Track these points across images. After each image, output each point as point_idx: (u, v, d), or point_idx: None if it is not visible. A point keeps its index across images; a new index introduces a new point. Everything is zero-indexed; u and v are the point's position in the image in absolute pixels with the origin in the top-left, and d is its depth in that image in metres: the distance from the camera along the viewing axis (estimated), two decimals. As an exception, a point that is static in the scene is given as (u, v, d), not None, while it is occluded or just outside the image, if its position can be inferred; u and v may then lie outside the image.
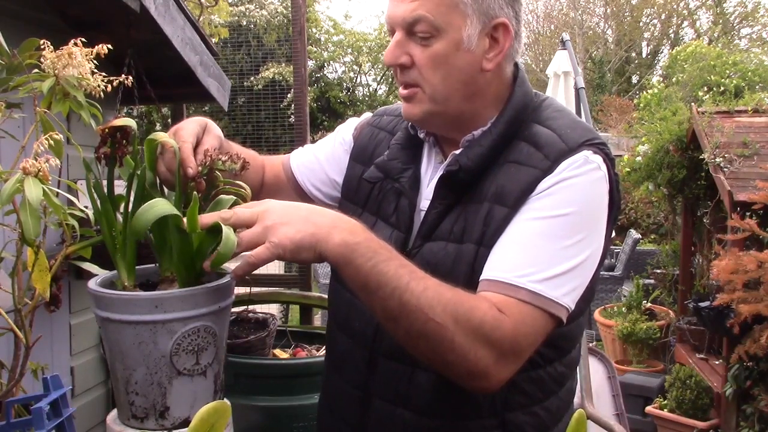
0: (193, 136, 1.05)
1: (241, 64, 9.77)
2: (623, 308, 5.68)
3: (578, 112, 4.10)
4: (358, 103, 12.47)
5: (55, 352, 2.55)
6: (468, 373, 0.94)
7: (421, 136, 1.18)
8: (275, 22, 10.29)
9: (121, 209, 1.00)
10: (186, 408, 0.93)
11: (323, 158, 1.33)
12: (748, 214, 3.42)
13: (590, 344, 3.78)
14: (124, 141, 0.99)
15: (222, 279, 0.96)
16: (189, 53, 2.78)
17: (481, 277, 1.01)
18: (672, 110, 5.07)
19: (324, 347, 2.36)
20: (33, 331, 1.14)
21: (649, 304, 5.74)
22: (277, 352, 2.55)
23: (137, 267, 1.00)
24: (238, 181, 1.02)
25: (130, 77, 1.10)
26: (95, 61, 1.06)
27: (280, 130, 8.74)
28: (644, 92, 7.24)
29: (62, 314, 2.59)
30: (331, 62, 12.81)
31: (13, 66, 1.11)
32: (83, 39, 1.06)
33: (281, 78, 9.81)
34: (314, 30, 12.41)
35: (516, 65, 1.15)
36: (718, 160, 3.94)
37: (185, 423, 0.93)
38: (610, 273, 6.92)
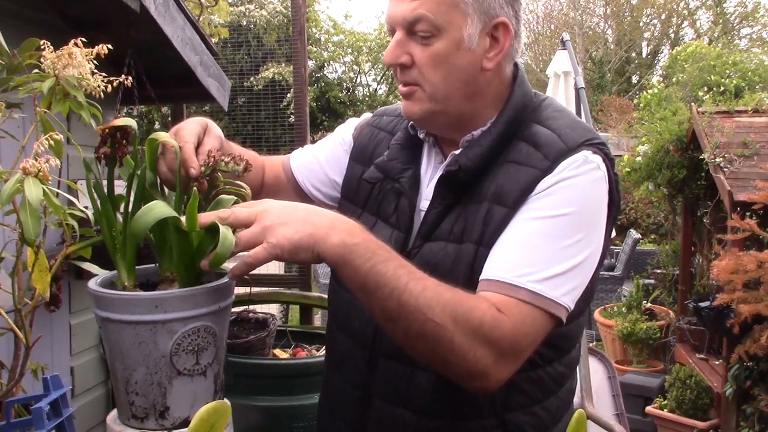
0: (194, 136, 1.06)
1: (241, 64, 9.78)
2: (623, 308, 5.68)
3: (578, 112, 4.10)
4: (358, 103, 12.47)
5: (55, 352, 2.55)
6: (467, 373, 0.94)
7: (421, 136, 1.18)
8: (275, 22, 10.30)
9: (121, 209, 1.00)
10: (186, 408, 0.93)
11: (323, 159, 1.33)
12: (748, 214, 3.42)
13: (590, 344, 3.78)
14: (124, 141, 0.99)
15: (222, 279, 0.96)
16: (189, 53, 2.78)
17: (481, 277, 1.01)
18: (672, 110, 5.07)
19: (324, 347, 2.36)
20: (33, 331, 1.14)
21: (649, 304, 5.74)
22: (277, 352, 2.55)
23: (137, 267, 1.00)
24: (238, 181, 1.02)
25: (130, 77, 1.10)
26: (95, 61, 1.06)
27: (280, 130, 8.75)
28: (644, 92, 7.24)
29: (62, 314, 2.59)
30: (331, 62, 12.81)
31: (13, 66, 1.11)
32: (83, 39, 1.06)
33: (281, 78, 9.81)
34: (314, 30, 12.41)
35: (516, 65, 1.15)
36: (718, 160, 3.95)
37: (185, 423, 0.93)
38: (610, 273, 6.92)
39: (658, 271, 5.89)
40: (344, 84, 12.82)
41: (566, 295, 0.99)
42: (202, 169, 1.00)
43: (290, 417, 2.19)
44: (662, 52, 20.77)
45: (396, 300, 0.90)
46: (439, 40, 1.03)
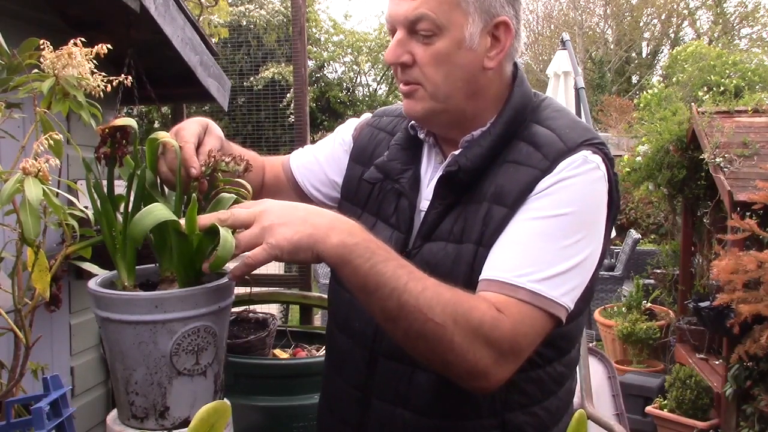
0: (195, 136, 1.06)
1: (241, 64, 9.77)
2: (623, 308, 5.68)
3: (578, 112, 4.10)
4: (358, 103, 12.46)
5: (55, 352, 2.55)
6: (467, 373, 0.94)
7: (421, 136, 1.18)
8: (275, 22, 10.29)
9: (121, 209, 1.00)
10: (186, 408, 0.93)
11: (323, 159, 1.33)
12: (748, 214, 3.42)
13: (590, 344, 3.78)
14: (124, 141, 0.99)
15: (222, 279, 0.96)
16: (189, 53, 2.78)
17: (481, 277, 1.01)
18: (672, 110, 5.07)
19: (324, 347, 2.36)
20: (33, 331, 1.14)
21: (649, 304, 5.74)
22: (277, 352, 2.55)
23: (137, 267, 1.00)
24: (238, 180, 1.02)
25: (130, 77, 1.10)
26: (95, 61, 1.06)
27: (280, 130, 8.74)
28: (644, 92, 7.24)
29: (62, 314, 2.59)
30: (331, 62, 12.81)
31: (13, 66, 1.11)
32: (83, 39, 1.06)
33: (281, 78, 9.81)
34: (314, 30, 12.41)
35: (515, 65, 1.15)
36: (718, 160, 3.95)
37: (185, 423, 0.93)
38: (610, 273, 6.92)
39: (658, 271, 5.89)
40: (344, 84, 12.81)
41: (566, 295, 0.99)
42: (203, 169, 1.00)
43: (290, 417, 2.19)
44: (662, 52, 20.78)
45: (396, 300, 0.90)
46: (440, 39, 1.03)
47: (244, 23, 10.09)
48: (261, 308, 2.90)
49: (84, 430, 2.68)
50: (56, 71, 1.04)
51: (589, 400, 2.66)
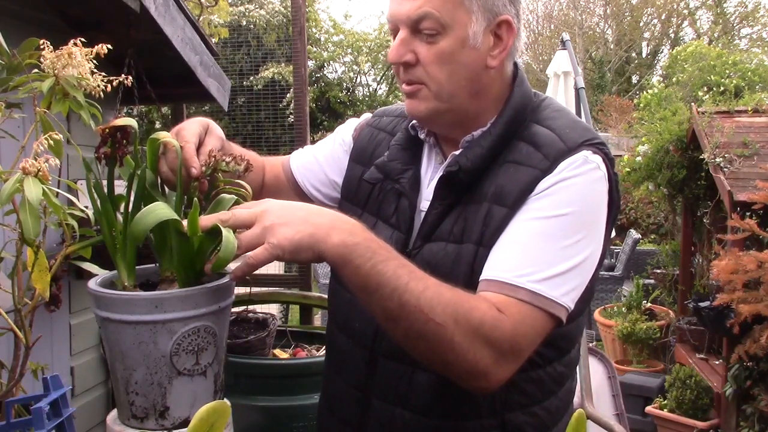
0: (195, 136, 1.06)
1: (241, 64, 9.77)
2: (623, 308, 5.68)
3: (578, 112, 4.11)
4: (358, 103, 12.46)
5: (55, 352, 2.55)
6: (468, 373, 0.94)
7: (422, 136, 1.18)
8: (275, 22, 10.29)
9: (122, 209, 1.00)
10: (186, 408, 0.93)
11: (323, 159, 1.33)
12: (748, 214, 3.42)
13: (590, 344, 3.78)
14: (125, 141, 0.99)
15: (222, 279, 0.96)
16: (189, 53, 2.78)
17: (481, 277, 1.01)
18: (672, 110, 5.07)
19: (324, 347, 2.36)
20: (33, 331, 1.14)
21: (649, 304, 5.74)
22: (277, 352, 2.55)
23: (137, 267, 1.00)
24: (239, 181, 1.02)
25: (130, 77, 1.10)
26: (95, 61, 1.06)
27: (280, 130, 8.74)
28: (644, 92, 7.23)
29: (62, 314, 2.59)
30: (331, 62, 12.81)
31: (13, 66, 1.11)
32: (83, 39, 1.06)
33: (281, 78, 9.80)
34: (314, 30, 12.41)
35: (515, 65, 1.15)
36: (718, 160, 3.95)
37: (185, 423, 0.93)
38: (610, 273, 6.92)
39: (658, 271, 5.89)
40: (344, 84, 12.81)
41: (566, 295, 0.99)
42: (203, 169, 1.00)
43: (290, 417, 2.19)
44: (662, 52, 20.78)
45: (397, 300, 0.90)
46: (444, 37, 1.03)
47: (244, 23, 10.09)
48: (261, 308, 2.90)
49: (84, 430, 2.68)
50: (56, 71, 1.04)
51: (589, 400, 2.66)
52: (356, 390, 1.17)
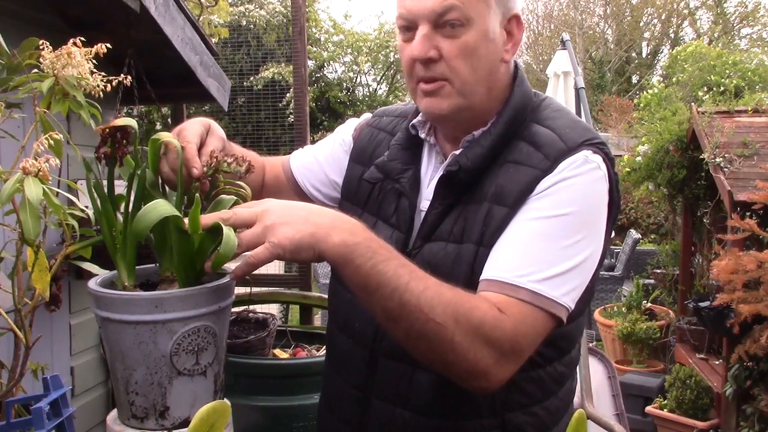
0: (197, 136, 1.06)
1: (241, 64, 9.77)
2: (623, 308, 5.68)
3: (578, 112, 4.10)
4: (358, 103, 12.46)
5: (55, 352, 2.55)
6: (468, 373, 0.94)
7: (422, 136, 1.18)
8: (275, 22, 10.29)
9: (122, 209, 1.00)
10: (186, 408, 0.93)
11: (323, 159, 1.33)
12: (748, 214, 3.42)
13: (590, 344, 3.78)
14: (124, 141, 0.99)
15: (222, 279, 0.96)
16: (189, 53, 2.78)
17: (481, 277, 1.01)
18: (672, 110, 5.07)
19: (324, 347, 2.36)
20: (33, 331, 1.14)
21: (649, 304, 5.74)
22: (277, 352, 2.55)
23: (137, 267, 1.00)
24: (238, 182, 1.03)
25: (130, 77, 1.10)
26: (95, 61, 1.06)
27: (280, 130, 8.75)
28: (644, 92, 7.23)
29: (62, 314, 2.59)
30: (331, 62, 12.80)
31: (13, 66, 1.11)
32: (83, 39, 1.06)
33: (281, 78, 9.80)
34: (314, 30, 12.41)
35: (515, 64, 1.15)
36: (718, 160, 3.94)
37: (185, 423, 0.93)
38: (610, 273, 6.92)
39: (658, 271, 5.89)
40: (344, 84, 12.81)
41: (567, 295, 0.99)
42: (204, 169, 1.00)
43: (290, 417, 2.19)
44: (662, 52, 20.78)
45: (397, 300, 0.90)
46: (467, 31, 1.03)
47: (244, 23, 10.09)
48: (261, 308, 2.90)
49: (84, 430, 2.68)
50: (56, 71, 1.04)
51: (589, 400, 2.66)
52: (356, 390, 1.17)
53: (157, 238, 0.97)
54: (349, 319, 1.18)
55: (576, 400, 2.01)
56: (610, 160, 1.07)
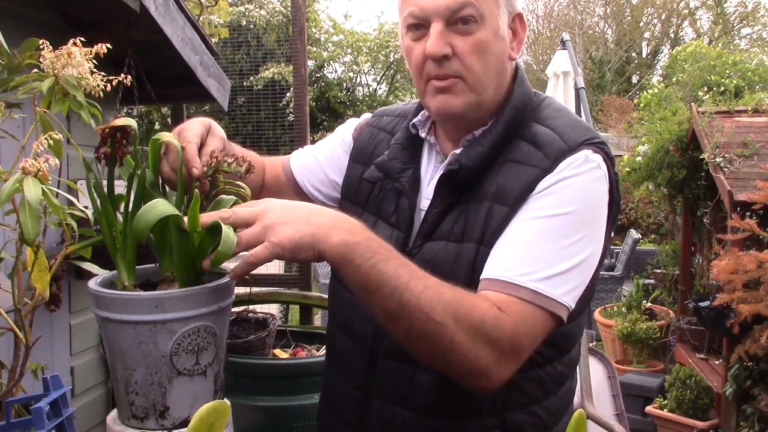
0: (197, 136, 1.06)
1: (241, 64, 9.77)
2: (623, 308, 5.68)
3: (578, 112, 4.10)
4: (358, 103, 12.46)
5: (55, 352, 2.55)
6: (468, 372, 0.94)
7: (422, 135, 1.19)
8: (275, 22, 10.29)
9: (121, 209, 1.00)
10: (186, 408, 0.93)
11: (323, 159, 1.33)
12: (748, 214, 3.42)
13: (590, 344, 3.78)
14: (124, 141, 0.99)
15: (222, 279, 0.96)
16: (189, 53, 2.78)
17: (482, 276, 1.01)
18: (672, 110, 5.07)
19: (324, 347, 2.36)
20: (33, 331, 1.14)
21: (649, 304, 5.74)
22: (277, 352, 2.55)
23: (137, 267, 1.00)
24: (238, 182, 1.03)
25: (130, 77, 1.10)
26: (95, 61, 1.06)
27: (280, 130, 8.75)
28: (644, 92, 7.23)
29: (62, 314, 2.59)
30: (330, 62, 12.80)
31: (13, 66, 1.11)
32: (83, 39, 1.06)
33: (281, 78, 9.80)
34: (314, 30, 12.41)
35: (516, 64, 1.15)
36: (718, 160, 3.94)
37: (185, 423, 0.93)
38: (610, 273, 6.92)
39: (658, 271, 5.89)
40: (344, 84, 12.81)
41: (567, 294, 0.99)
42: (205, 169, 1.00)
43: (290, 417, 2.19)
44: (662, 52, 20.77)
45: (397, 299, 0.90)
46: (480, 27, 1.04)
47: (244, 23, 10.09)
48: (261, 308, 2.90)
49: (84, 430, 2.67)
50: (56, 71, 1.04)
51: (589, 400, 2.66)
52: (356, 390, 1.17)
53: (157, 238, 0.97)
54: (349, 319, 1.18)
55: (576, 400, 2.01)
56: (610, 160, 1.07)
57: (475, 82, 1.07)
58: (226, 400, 0.71)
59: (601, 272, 1.12)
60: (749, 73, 7.27)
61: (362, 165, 1.24)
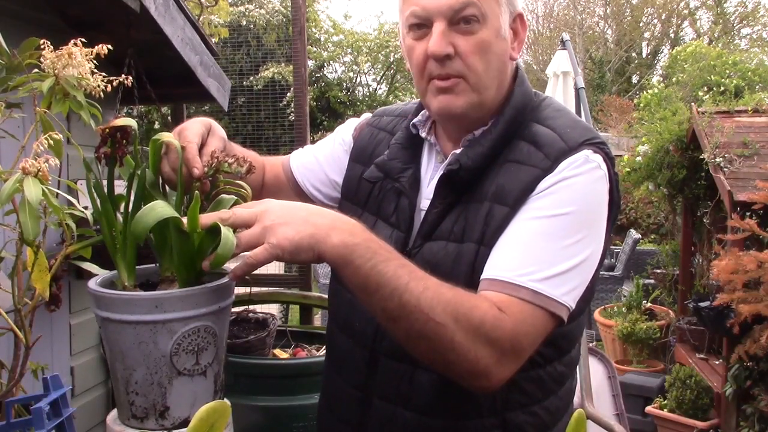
0: (198, 136, 1.06)
1: (241, 64, 9.77)
2: (623, 308, 5.68)
3: (578, 112, 4.10)
4: (358, 103, 12.46)
5: (55, 352, 2.55)
6: (469, 372, 0.94)
7: (422, 134, 1.19)
8: (275, 22, 10.29)
9: (121, 209, 1.00)
10: (186, 408, 0.93)
11: (323, 159, 1.33)
12: (748, 214, 3.42)
13: (590, 344, 3.78)
14: (124, 141, 0.99)
15: (222, 279, 0.96)
16: (189, 53, 2.78)
17: (482, 277, 1.01)
18: (672, 110, 5.07)
19: (324, 347, 2.36)
20: (33, 331, 1.14)
21: (649, 304, 5.74)
22: (277, 352, 2.55)
23: (137, 267, 1.00)
24: (238, 181, 1.03)
25: (130, 77, 1.10)
26: (95, 61, 1.06)
27: (280, 130, 8.75)
28: (644, 92, 7.23)
29: (62, 314, 2.59)
30: (330, 62, 12.81)
31: (13, 66, 1.11)
32: (83, 39, 1.06)
33: (281, 78, 9.81)
34: (314, 30, 12.41)
35: (516, 65, 1.15)
36: (718, 160, 3.94)
37: (185, 423, 0.93)
38: (610, 273, 6.92)
39: (658, 271, 5.89)
40: (344, 84, 12.82)
41: (567, 294, 0.99)
42: (206, 170, 1.00)
43: (290, 417, 2.19)
44: (662, 52, 20.77)
45: (397, 300, 0.90)
46: (482, 27, 1.05)
47: (244, 23, 10.09)
48: (261, 308, 2.90)
49: (84, 430, 2.67)
50: (56, 71, 1.04)
51: (589, 400, 2.66)
52: (357, 390, 1.17)
53: (157, 238, 0.97)
54: (349, 319, 1.18)
55: (576, 400, 2.01)
56: (610, 160, 1.07)
57: (477, 82, 1.07)
58: (226, 400, 0.71)
59: (601, 272, 1.12)
60: (749, 73, 7.27)
61: (362, 165, 1.24)
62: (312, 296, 3.39)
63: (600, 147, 1.07)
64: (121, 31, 2.48)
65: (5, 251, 1.16)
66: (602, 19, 21.20)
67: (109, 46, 1.05)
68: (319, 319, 4.93)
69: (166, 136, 1.01)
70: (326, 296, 1.42)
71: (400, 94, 12.93)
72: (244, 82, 9.67)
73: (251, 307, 2.63)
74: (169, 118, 3.85)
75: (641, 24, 20.65)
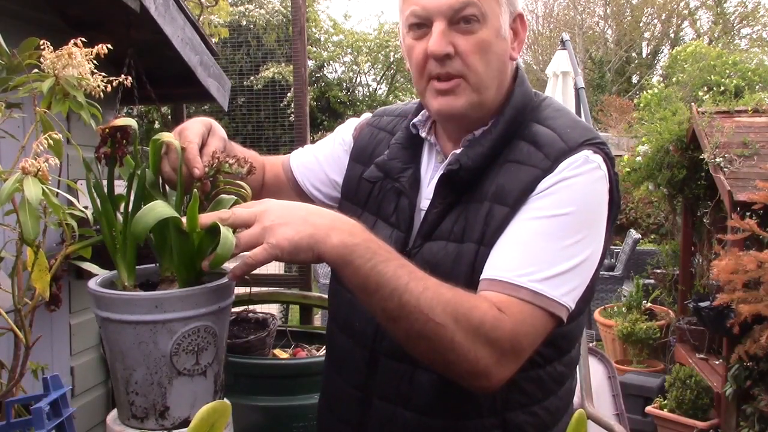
0: (198, 136, 1.06)
1: (241, 64, 9.78)
2: (623, 308, 5.68)
3: (578, 112, 4.10)
4: (358, 103, 12.47)
5: (55, 352, 2.55)
6: (469, 372, 0.94)
7: (423, 134, 1.19)
8: (275, 22, 10.30)
9: (121, 209, 1.00)
10: (186, 408, 0.93)
11: (323, 159, 1.33)
12: (748, 214, 3.42)
13: (590, 344, 3.78)
14: (124, 141, 0.99)
15: (222, 279, 0.96)
16: (189, 53, 2.78)
17: (482, 277, 1.01)
18: (672, 110, 5.07)
19: (324, 347, 2.36)
20: (33, 331, 1.14)
21: (649, 304, 5.74)
22: (277, 352, 2.55)
23: (137, 267, 1.00)
24: (238, 181, 1.02)
25: (130, 77, 1.10)
26: (95, 61, 1.06)
27: (280, 130, 8.75)
28: (644, 92, 7.23)
29: (62, 314, 2.59)
30: (330, 62, 12.81)
31: (13, 66, 1.11)
32: (83, 39, 1.06)
33: (281, 78, 9.81)
34: (314, 30, 12.41)
35: (516, 65, 1.15)
36: (718, 160, 3.94)
37: (185, 423, 0.93)
38: (610, 273, 6.92)
39: (658, 271, 5.89)
40: (344, 84, 12.82)
41: (567, 294, 0.99)
42: (206, 170, 1.00)
43: (290, 417, 2.19)
44: (662, 52, 20.76)
45: (397, 300, 0.90)
46: (482, 27, 1.05)
47: (244, 23, 10.09)
48: (261, 308, 2.90)
49: (84, 430, 2.67)
50: (56, 71, 1.04)
51: (589, 400, 2.66)
52: (357, 390, 1.17)
53: (157, 238, 0.97)
54: (349, 319, 1.18)
55: (576, 400, 2.01)
56: (610, 160, 1.07)
57: (477, 82, 1.07)
58: (226, 400, 0.71)
59: (601, 272, 1.12)
60: (749, 73, 7.27)
61: (362, 165, 1.24)
62: (312, 296, 3.39)
63: (600, 147, 1.07)
64: (121, 31, 2.48)
65: (5, 251, 1.16)
66: (602, 19, 21.21)
67: (109, 46, 1.05)
68: (319, 319, 4.93)
69: (166, 136, 1.01)
70: (326, 296, 1.42)
71: (400, 94, 12.94)
72: (244, 82, 9.68)
73: (251, 307, 2.63)
74: (169, 118, 3.85)
75: (641, 24, 20.65)
